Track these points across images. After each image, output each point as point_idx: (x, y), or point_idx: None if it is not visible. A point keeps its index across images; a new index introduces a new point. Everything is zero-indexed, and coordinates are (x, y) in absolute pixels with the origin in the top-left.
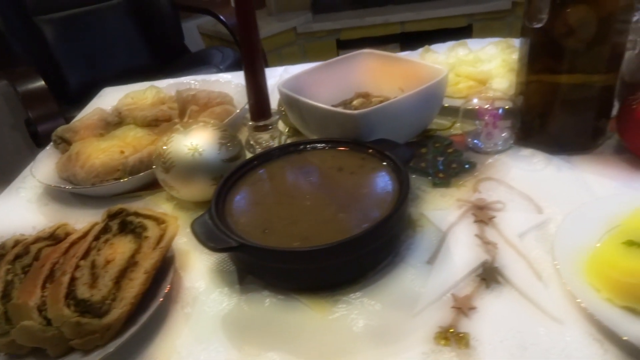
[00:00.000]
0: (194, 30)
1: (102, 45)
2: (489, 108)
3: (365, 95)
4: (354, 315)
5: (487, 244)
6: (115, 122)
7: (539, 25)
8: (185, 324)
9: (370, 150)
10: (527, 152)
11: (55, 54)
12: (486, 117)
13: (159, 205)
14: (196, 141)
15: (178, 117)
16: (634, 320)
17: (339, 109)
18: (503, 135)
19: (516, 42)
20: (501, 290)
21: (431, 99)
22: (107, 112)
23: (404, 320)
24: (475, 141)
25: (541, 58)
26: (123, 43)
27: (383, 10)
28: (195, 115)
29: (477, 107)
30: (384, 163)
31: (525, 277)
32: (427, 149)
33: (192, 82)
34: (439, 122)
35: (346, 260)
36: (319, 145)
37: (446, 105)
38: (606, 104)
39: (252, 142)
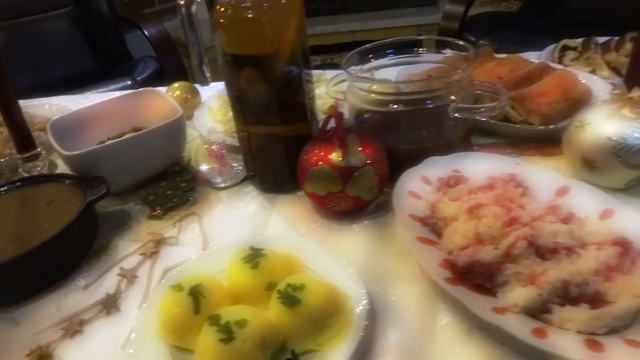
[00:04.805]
0: None
1: (48, 51)
2: (215, 148)
3: (139, 129)
4: None
5: (123, 276)
6: None
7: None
8: None
9: (81, 187)
10: (249, 188)
11: (2, 60)
12: (214, 156)
13: None
14: None
15: None
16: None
17: (60, 149)
18: (236, 170)
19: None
20: (119, 317)
21: (158, 139)
22: None
23: (22, 336)
24: (211, 177)
25: (237, 110)
26: (68, 50)
27: (334, 19)
28: None
29: (205, 146)
30: (86, 199)
31: (135, 306)
32: (166, 182)
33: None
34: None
35: None
36: (53, 178)
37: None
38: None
39: (23, 173)
